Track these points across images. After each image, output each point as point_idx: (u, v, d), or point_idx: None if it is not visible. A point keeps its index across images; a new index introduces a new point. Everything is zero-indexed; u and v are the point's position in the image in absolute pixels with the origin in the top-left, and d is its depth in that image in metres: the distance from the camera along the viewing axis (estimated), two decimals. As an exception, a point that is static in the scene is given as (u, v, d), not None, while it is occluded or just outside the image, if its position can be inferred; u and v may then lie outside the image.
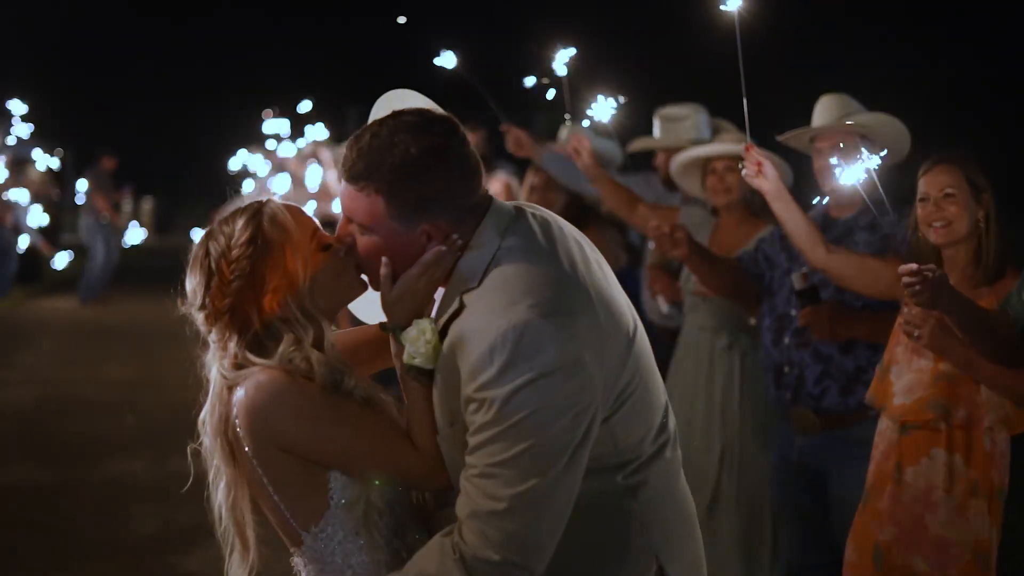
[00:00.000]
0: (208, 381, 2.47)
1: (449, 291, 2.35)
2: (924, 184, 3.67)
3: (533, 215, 2.43)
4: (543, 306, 2.21)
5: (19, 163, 14.35)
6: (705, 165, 5.10)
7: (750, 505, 4.91)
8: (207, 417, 2.45)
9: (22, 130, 14.71)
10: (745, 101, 3.51)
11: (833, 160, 3.67)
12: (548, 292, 2.24)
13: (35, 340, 12.88)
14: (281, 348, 2.39)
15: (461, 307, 2.30)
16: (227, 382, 2.41)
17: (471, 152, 2.38)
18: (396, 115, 2.35)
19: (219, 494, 2.48)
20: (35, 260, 16.43)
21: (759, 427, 4.86)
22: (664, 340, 5.56)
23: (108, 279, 15.95)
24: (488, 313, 2.23)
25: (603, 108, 4.37)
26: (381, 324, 2.55)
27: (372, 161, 2.31)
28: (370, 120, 2.72)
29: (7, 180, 13.57)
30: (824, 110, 4.31)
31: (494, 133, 9.19)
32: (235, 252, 2.40)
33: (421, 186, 2.31)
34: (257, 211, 2.44)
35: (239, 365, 2.40)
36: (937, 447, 3.59)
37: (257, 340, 2.42)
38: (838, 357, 4.18)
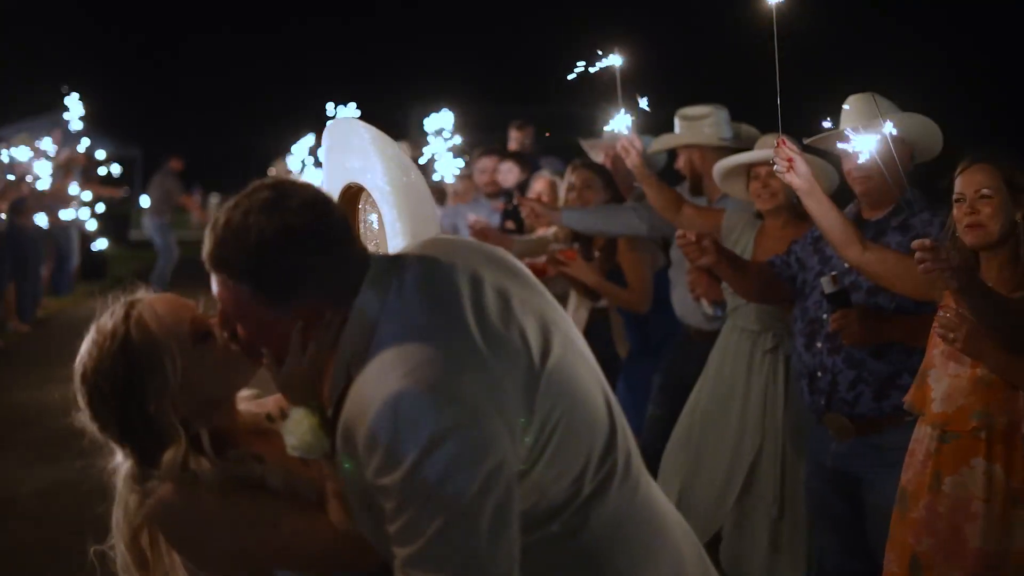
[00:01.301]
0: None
1: (336, 366, 2.19)
2: (960, 184, 3.59)
3: (419, 261, 2.27)
4: (414, 372, 2.05)
5: (79, 161, 14.36)
6: (748, 170, 5.03)
7: (785, 509, 4.85)
8: (115, 526, 2.40)
9: (83, 135, 14.74)
10: (779, 96, 3.43)
11: (848, 129, 3.56)
12: (420, 355, 2.08)
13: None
14: (165, 460, 2.30)
15: (349, 382, 2.15)
16: (134, 494, 2.35)
17: (335, 221, 2.21)
18: (252, 191, 2.20)
19: None
20: (98, 258, 16.57)
21: (800, 431, 4.79)
22: (699, 342, 5.51)
23: (168, 277, 16.00)
24: (364, 389, 2.09)
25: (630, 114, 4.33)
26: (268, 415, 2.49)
27: (228, 248, 2.16)
28: (323, 145, 2.67)
29: (68, 178, 13.57)
30: (853, 110, 4.22)
31: (544, 129, 9.22)
32: (107, 365, 2.33)
33: (282, 269, 2.15)
34: (125, 317, 2.35)
35: (137, 475, 2.34)
36: (977, 456, 3.50)
37: (153, 445, 2.33)
38: (871, 362, 4.08)
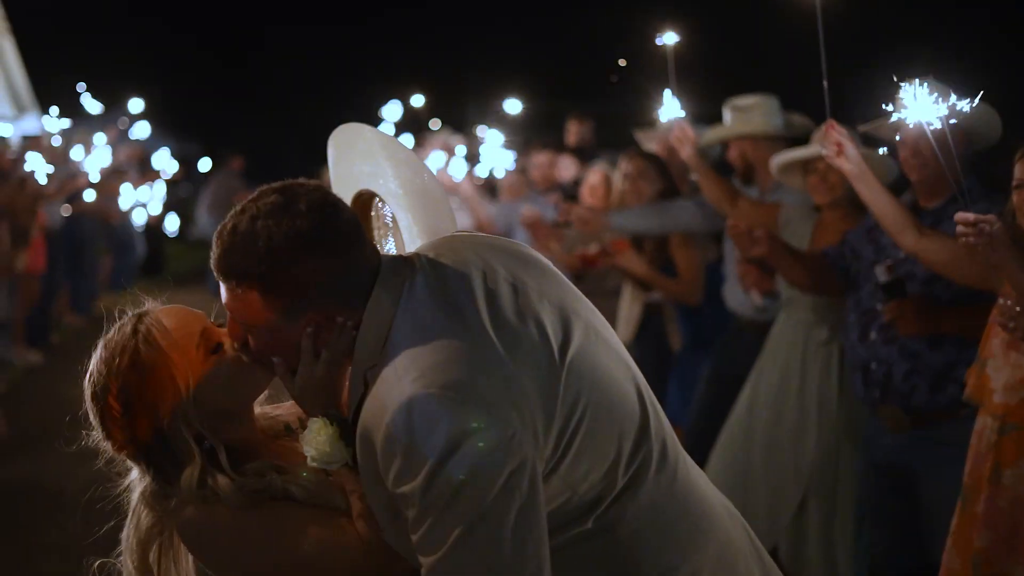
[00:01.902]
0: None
1: (354, 373, 2.16)
2: (1019, 170, 3.50)
3: (430, 260, 2.23)
4: (426, 376, 2.02)
5: (136, 156, 14.56)
6: (806, 164, 4.97)
7: (839, 503, 4.79)
8: (124, 543, 2.39)
9: (143, 128, 14.94)
10: (825, 79, 3.38)
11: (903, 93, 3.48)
12: (433, 358, 2.04)
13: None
14: (183, 481, 2.26)
15: (366, 388, 2.12)
16: (147, 511, 2.34)
17: (345, 221, 2.17)
18: (258, 196, 2.16)
19: None
20: (158, 254, 16.72)
21: (855, 424, 4.72)
22: (750, 334, 5.46)
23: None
24: (379, 396, 2.06)
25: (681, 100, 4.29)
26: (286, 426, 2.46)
27: (237, 256, 2.13)
28: (329, 155, 2.61)
29: (125, 175, 13.75)
30: (908, 97, 4.14)
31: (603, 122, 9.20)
32: (117, 383, 2.28)
33: (291, 275, 2.11)
34: (133, 332, 2.31)
35: (155, 493, 2.32)
36: (1037, 448, 3.42)
37: (169, 462, 2.30)
38: (927, 353, 4.02)
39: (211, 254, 2.18)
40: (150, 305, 2.39)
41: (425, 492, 1.98)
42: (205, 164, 18.45)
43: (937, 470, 3.96)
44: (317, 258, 2.11)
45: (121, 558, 2.41)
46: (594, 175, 6.94)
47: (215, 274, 2.18)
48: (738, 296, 5.62)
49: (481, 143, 9.32)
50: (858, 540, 4.67)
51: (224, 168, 16.59)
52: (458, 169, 8.79)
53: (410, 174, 2.59)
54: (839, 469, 4.80)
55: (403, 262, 2.23)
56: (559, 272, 2.36)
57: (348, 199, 2.72)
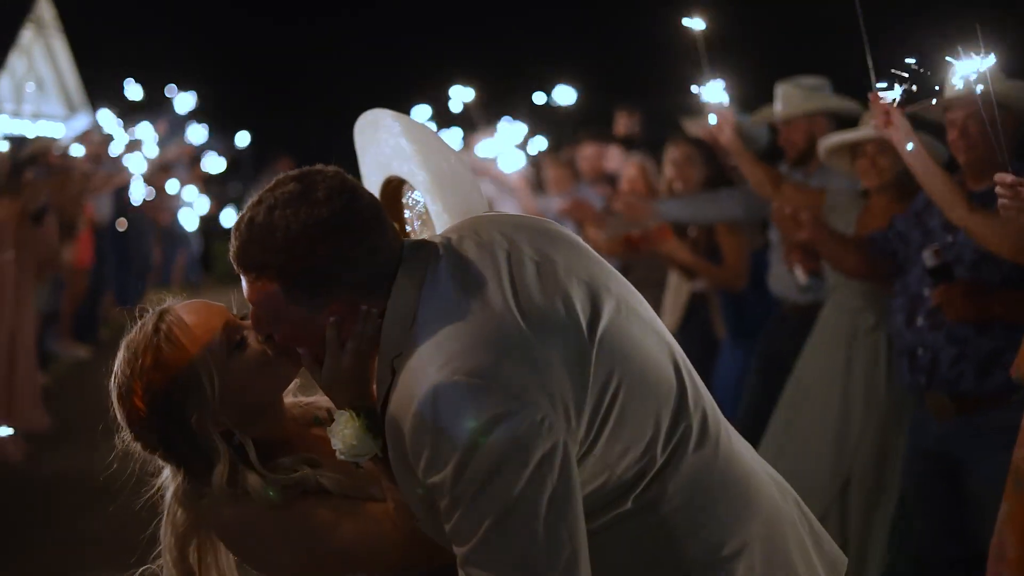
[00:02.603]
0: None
1: (380, 362, 2.11)
2: None
3: (453, 244, 2.18)
4: (451, 363, 1.97)
5: (187, 153, 14.69)
6: (854, 147, 4.90)
7: (882, 489, 4.74)
8: (162, 542, 2.37)
9: (197, 132, 15.07)
10: (868, 52, 3.32)
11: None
12: (457, 344, 2.00)
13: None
14: (214, 479, 2.23)
15: (393, 377, 2.07)
16: (182, 510, 2.32)
17: (365, 207, 2.12)
18: (276, 185, 2.12)
19: None
20: (205, 252, 16.87)
21: (901, 410, 4.67)
22: (794, 319, 5.40)
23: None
24: (406, 386, 2.01)
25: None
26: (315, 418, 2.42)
27: (256, 248, 2.09)
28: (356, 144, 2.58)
29: (172, 172, 13.88)
30: (955, 77, 4.06)
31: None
32: (142, 385, 2.25)
33: (312, 264, 2.07)
34: (154, 330, 2.27)
35: (187, 492, 2.29)
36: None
37: (199, 461, 2.27)
38: (974, 338, 3.94)
39: (230, 247, 2.15)
40: (171, 302, 2.35)
41: (455, 482, 1.94)
42: (243, 139, 18.47)
43: (984, 457, 3.89)
44: (337, 246, 2.07)
45: (161, 560, 2.39)
46: (630, 168, 6.89)
47: (235, 267, 2.15)
48: (782, 281, 5.56)
49: (492, 136, 9.24)
50: (896, 527, 4.64)
51: (271, 167, 16.70)
52: (509, 161, 8.72)
53: (437, 158, 2.57)
54: (884, 456, 4.74)
55: (426, 246, 2.18)
56: (590, 248, 2.30)
57: (376, 188, 2.70)
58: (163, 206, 13.73)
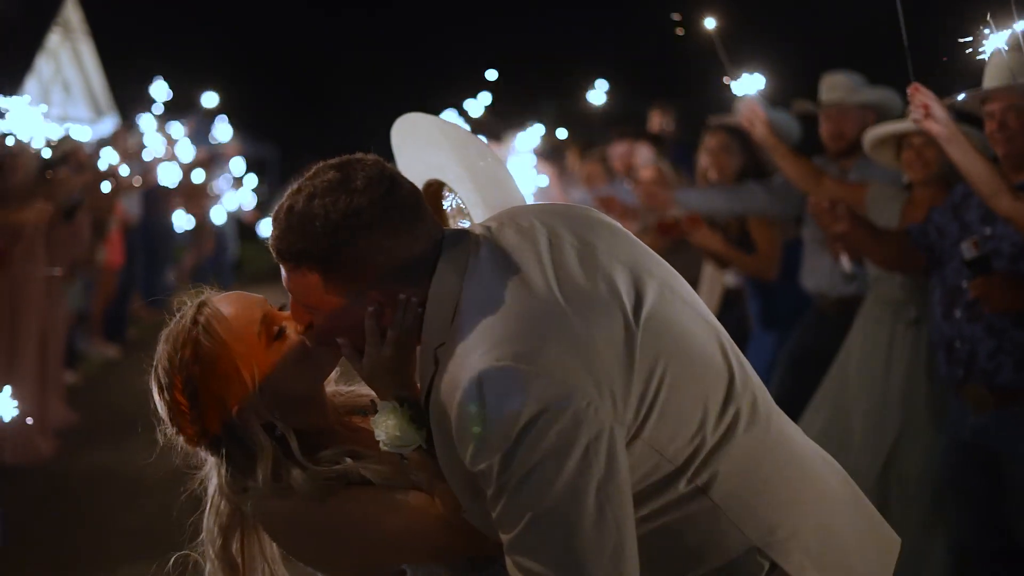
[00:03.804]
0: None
1: (423, 351, 2.09)
2: None
3: (494, 231, 2.17)
4: (495, 350, 1.95)
5: (216, 158, 14.75)
6: (900, 140, 4.88)
7: (921, 484, 4.72)
8: (205, 534, 2.36)
9: (224, 131, 15.13)
10: (906, 41, 3.30)
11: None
12: (501, 331, 1.98)
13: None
14: (260, 475, 2.22)
15: (437, 366, 2.05)
16: (225, 501, 2.31)
17: (405, 195, 2.10)
18: (315, 175, 2.11)
19: None
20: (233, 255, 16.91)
21: (940, 402, 4.64)
22: (833, 315, 5.38)
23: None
24: (450, 374, 1.99)
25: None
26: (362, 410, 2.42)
27: (295, 237, 2.06)
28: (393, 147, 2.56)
29: (207, 173, 13.93)
30: (995, 69, 4.03)
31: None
32: (181, 378, 2.23)
33: (352, 253, 2.05)
34: (193, 322, 2.25)
35: (232, 485, 2.28)
36: None
37: (242, 453, 2.26)
38: (1012, 330, 3.92)
39: (269, 236, 2.13)
40: (209, 294, 2.34)
41: (503, 469, 1.92)
42: (277, 167, 18.56)
43: (1023, 450, 3.86)
44: (376, 235, 2.05)
45: (202, 549, 2.37)
46: (646, 171, 6.87)
47: (274, 256, 2.13)
48: (817, 276, 5.54)
49: (513, 148, 9.25)
50: (935, 520, 4.61)
51: (299, 172, 16.73)
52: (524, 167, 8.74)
53: (474, 157, 2.58)
54: (921, 447, 4.72)
55: (466, 235, 2.17)
56: (630, 234, 2.30)
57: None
58: (196, 206, 13.76)
